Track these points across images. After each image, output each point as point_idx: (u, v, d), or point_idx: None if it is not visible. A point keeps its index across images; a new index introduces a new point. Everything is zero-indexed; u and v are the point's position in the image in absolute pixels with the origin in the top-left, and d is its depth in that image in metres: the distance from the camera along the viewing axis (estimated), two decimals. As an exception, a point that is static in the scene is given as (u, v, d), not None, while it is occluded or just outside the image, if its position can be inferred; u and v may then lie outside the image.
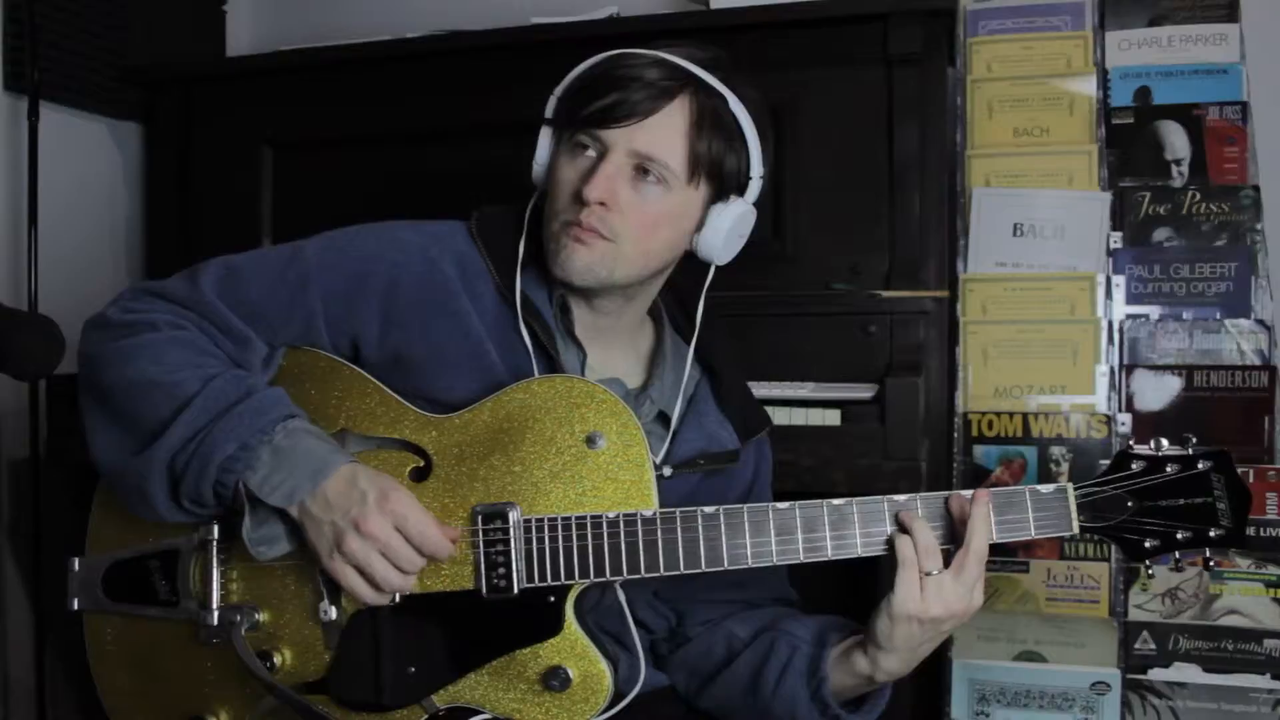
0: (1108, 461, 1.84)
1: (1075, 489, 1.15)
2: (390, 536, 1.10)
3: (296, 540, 1.15)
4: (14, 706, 2.21)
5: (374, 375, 1.23)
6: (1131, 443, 1.18)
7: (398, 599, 1.15)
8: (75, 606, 1.27)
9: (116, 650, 1.27)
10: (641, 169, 1.19)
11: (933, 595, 1.11)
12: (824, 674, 1.20)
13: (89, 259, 2.41)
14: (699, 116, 1.20)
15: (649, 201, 1.20)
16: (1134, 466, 1.15)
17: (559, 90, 1.26)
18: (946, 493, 1.15)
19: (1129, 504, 1.15)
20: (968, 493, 1.14)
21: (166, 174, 2.38)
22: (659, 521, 1.14)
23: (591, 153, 1.21)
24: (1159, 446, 1.16)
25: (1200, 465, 1.14)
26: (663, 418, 1.31)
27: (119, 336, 1.19)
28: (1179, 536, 1.15)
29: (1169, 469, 1.15)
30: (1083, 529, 1.15)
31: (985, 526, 1.13)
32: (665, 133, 1.19)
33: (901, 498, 1.14)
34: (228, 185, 2.32)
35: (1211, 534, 1.14)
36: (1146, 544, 1.16)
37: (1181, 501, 1.15)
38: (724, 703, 1.31)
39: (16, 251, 2.18)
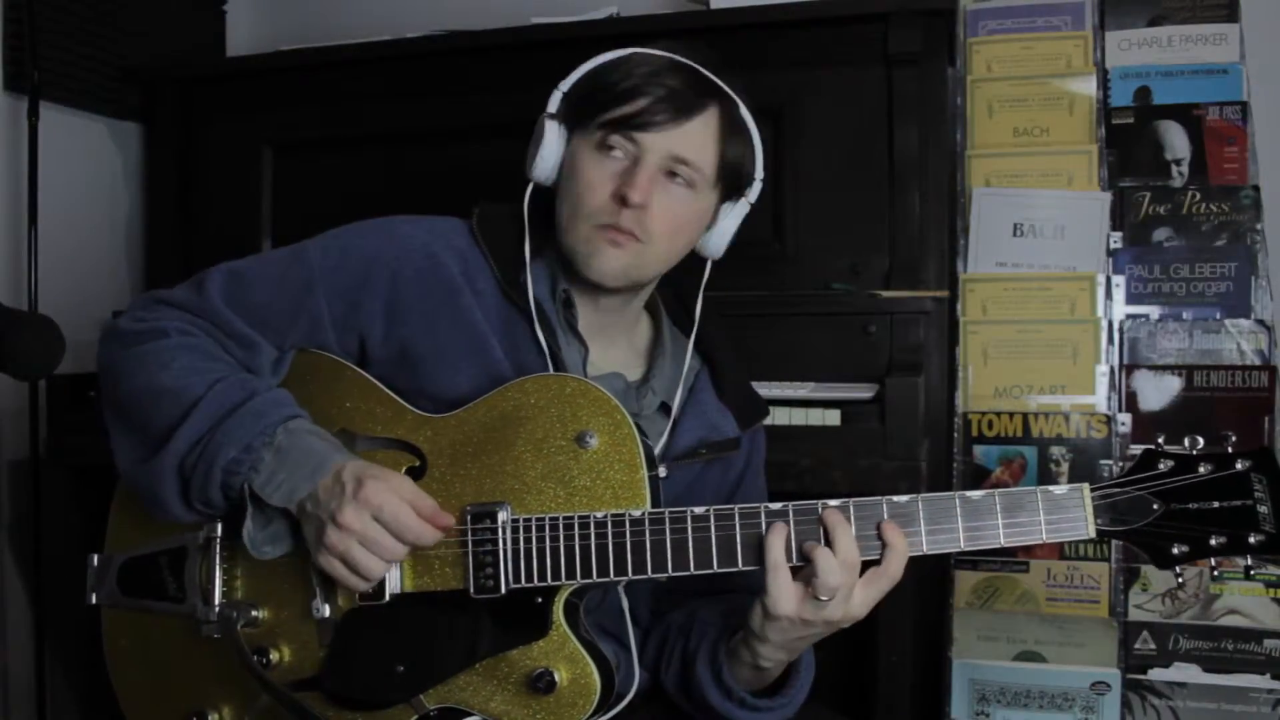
0: (1108, 461, 1.86)
1: (1092, 490, 1.08)
2: (367, 526, 1.10)
3: (298, 537, 1.16)
4: (14, 705, 2.21)
5: (381, 372, 1.23)
6: (1160, 440, 1.10)
7: (387, 595, 1.15)
8: (93, 601, 1.29)
9: (129, 646, 1.28)
10: (671, 172, 1.22)
11: (810, 605, 1.09)
12: (722, 659, 1.20)
13: (89, 259, 2.40)
14: (729, 122, 1.24)
15: (678, 203, 1.23)
16: (1161, 466, 1.08)
17: (566, 86, 1.27)
18: (949, 493, 1.13)
19: (1154, 506, 1.07)
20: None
21: (166, 174, 2.38)
22: (647, 522, 1.12)
23: (620, 154, 1.22)
24: (1193, 444, 1.08)
25: (1239, 465, 1.06)
26: (664, 409, 1.32)
27: (130, 345, 1.21)
28: (1212, 542, 1.07)
29: (1202, 469, 1.07)
30: (1101, 533, 1.08)
31: (827, 549, 1.08)
32: (701, 138, 1.22)
33: (903, 498, 1.11)
34: (228, 185, 2.32)
35: (1252, 539, 1.06)
36: (1174, 550, 1.08)
37: (1216, 504, 1.07)
38: (685, 700, 1.29)
39: (16, 251, 2.18)
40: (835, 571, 1.07)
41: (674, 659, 1.28)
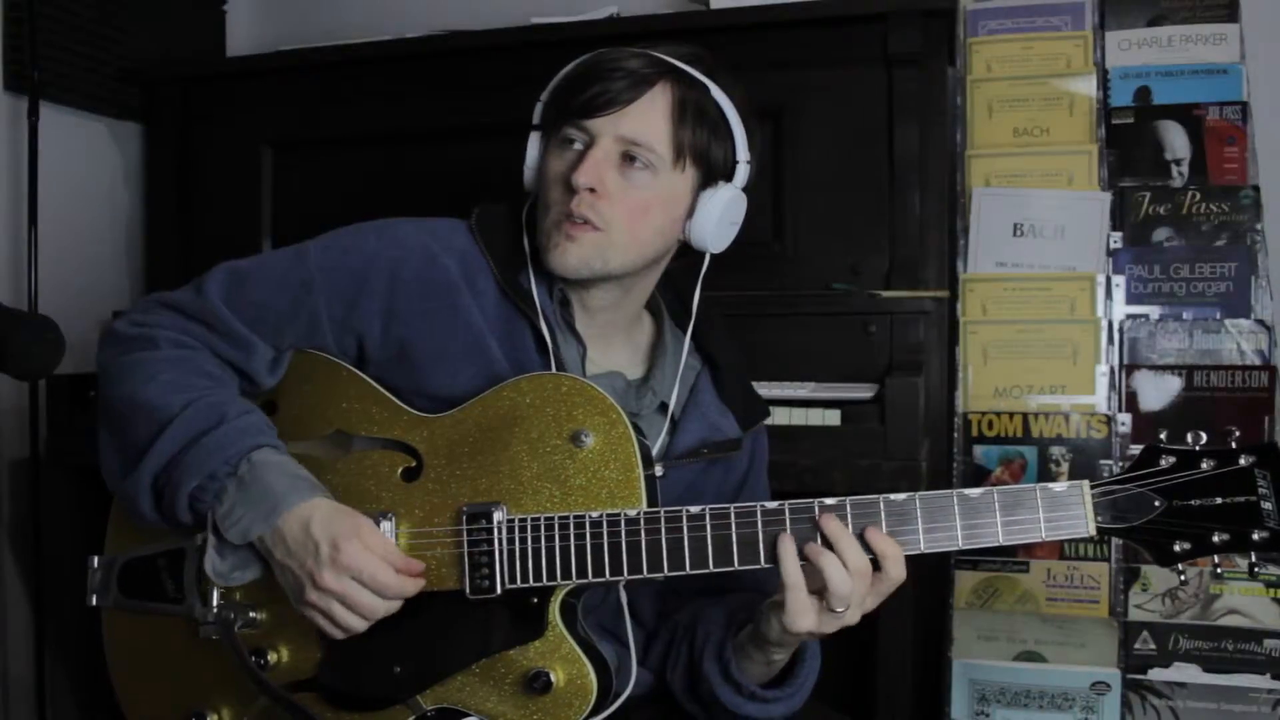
0: (1109, 461, 1.86)
1: (1092, 487, 1.07)
2: (347, 588, 1.11)
3: (264, 567, 1.17)
4: (14, 706, 2.21)
5: (379, 373, 1.23)
6: (1163, 437, 1.08)
7: None
8: (94, 603, 1.29)
9: (129, 646, 1.28)
10: (628, 156, 1.21)
11: (827, 617, 1.09)
12: (729, 655, 1.20)
13: (89, 259, 2.40)
14: (680, 101, 1.23)
15: (637, 187, 1.22)
16: (1162, 463, 1.06)
17: (544, 95, 1.29)
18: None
19: (1156, 503, 1.06)
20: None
21: (166, 174, 2.38)
22: (643, 522, 1.12)
23: (579, 145, 1.23)
24: (1196, 440, 1.06)
25: (1242, 460, 1.05)
26: (664, 408, 1.31)
27: (123, 352, 1.21)
28: (1215, 539, 1.05)
29: (1204, 465, 1.05)
30: (1101, 530, 1.07)
31: (836, 558, 1.08)
32: (649, 117, 1.21)
33: (901, 496, 1.11)
34: (228, 185, 2.32)
35: (1255, 536, 1.04)
36: (1176, 547, 1.06)
37: (1219, 500, 1.05)
38: (692, 701, 1.29)
39: (16, 251, 2.18)
40: (847, 582, 1.08)
41: (680, 660, 1.28)
